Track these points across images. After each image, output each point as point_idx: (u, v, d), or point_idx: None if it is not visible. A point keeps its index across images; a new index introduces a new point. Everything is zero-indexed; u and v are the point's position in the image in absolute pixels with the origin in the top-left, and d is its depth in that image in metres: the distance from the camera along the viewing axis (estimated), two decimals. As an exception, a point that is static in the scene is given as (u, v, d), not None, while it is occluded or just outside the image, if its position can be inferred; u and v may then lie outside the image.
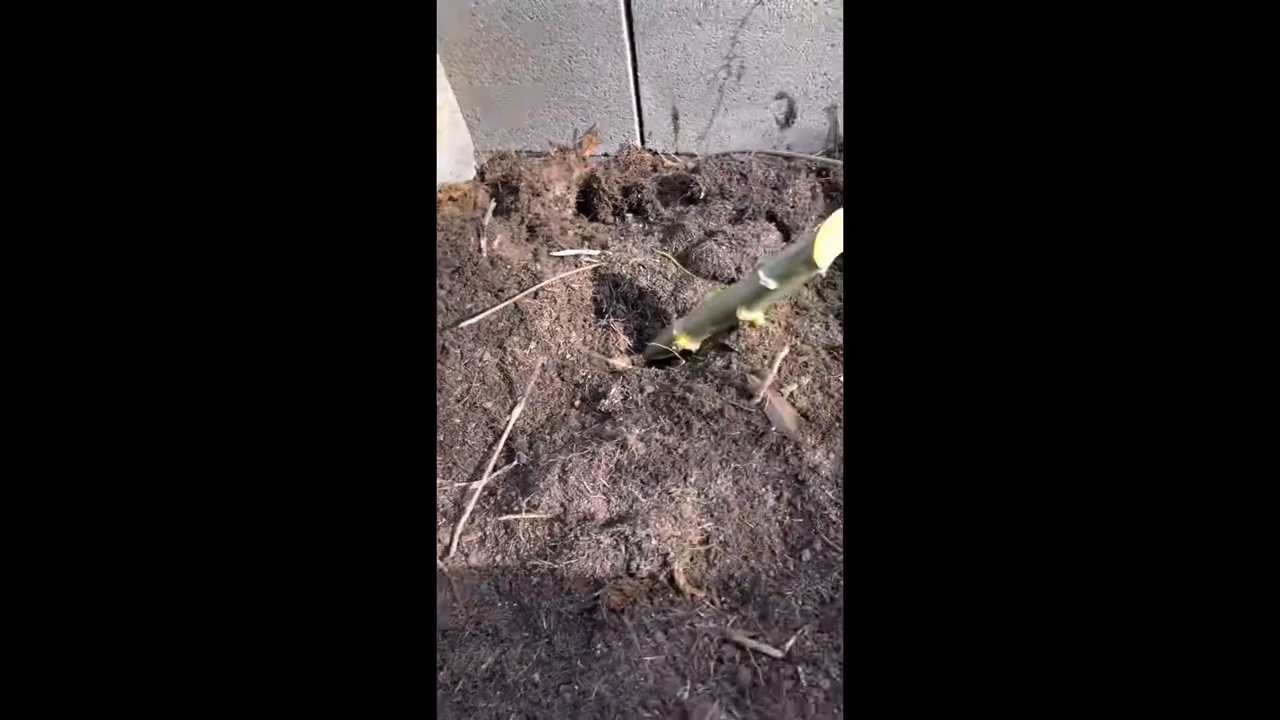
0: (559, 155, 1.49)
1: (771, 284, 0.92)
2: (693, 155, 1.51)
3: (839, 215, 0.84)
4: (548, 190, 1.42)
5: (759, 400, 0.99)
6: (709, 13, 1.30)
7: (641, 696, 0.76)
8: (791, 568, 0.90)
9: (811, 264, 0.86)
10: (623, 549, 0.90)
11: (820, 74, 1.36)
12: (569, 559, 0.90)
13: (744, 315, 0.98)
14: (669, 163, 1.52)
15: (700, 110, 1.47)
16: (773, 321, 1.14)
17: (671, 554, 0.89)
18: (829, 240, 0.84)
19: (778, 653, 0.78)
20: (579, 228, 1.42)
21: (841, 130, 1.43)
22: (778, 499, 0.96)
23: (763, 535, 0.92)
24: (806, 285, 1.24)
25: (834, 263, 1.22)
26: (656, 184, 1.46)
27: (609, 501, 0.96)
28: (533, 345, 1.15)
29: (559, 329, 1.18)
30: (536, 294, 1.19)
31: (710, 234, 1.27)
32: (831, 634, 0.79)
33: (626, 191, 1.45)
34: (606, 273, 1.25)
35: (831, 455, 0.99)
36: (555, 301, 1.19)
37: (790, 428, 0.98)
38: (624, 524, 0.92)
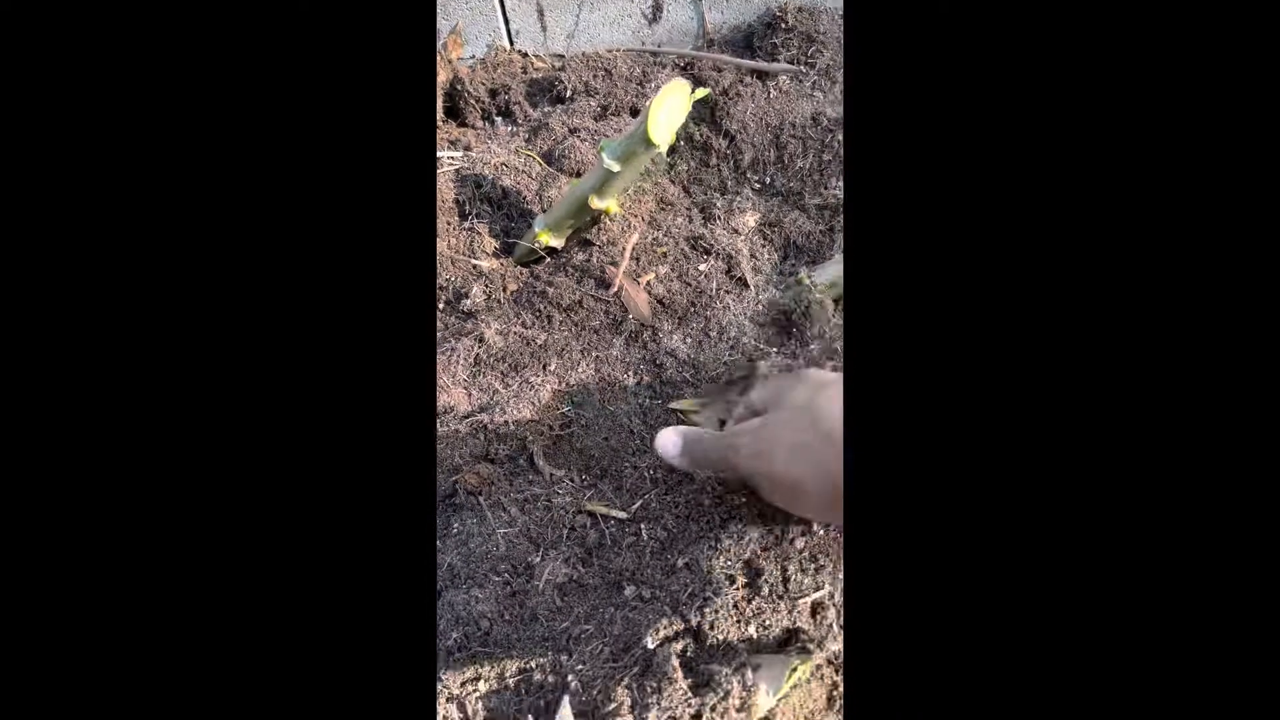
0: (421, 57, 1.40)
1: (615, 166, 0.92)
2: (561, 56, 1.46)
3: (667, 88, 0.83)
4: (408, 93, 1.35)
5: (615, 289, 1.01)
6: (561, -108, 1.24)
7: (492, 563, 0.79)
8: (648, 443, 0.94)
9: (649, 141, 0.86)
10: (481, 436, 0.92)
11: (681, -38, 1.33)
12: (428, 451, 0.91)
13: (596, 204, 0.98)
14: (538, 64, 1.47)
15: (566, 6, 1.41)
16: (636, 215, 1.15)
17: (530, 437, 0.91)
18: (662, 114, 0.84)
19: (624, 514, 0.82)
20: (445, 133, 1.36)
21: (709, 25, 1.41)
22: (637, 382, 1.00)
23: (621, 416, 0.96)
24: (672, 180, 1.25)
25: (680, 140, 1.22)
26: (525, 85, 1.41)
27: (469, 394, 0.97)
28: (391, 249, 1.12)
29: (419, 232, 1.15)
30: (392, 197, 1.15)
31: (573, 131, 1.25)
32: (674, 494, 0.83)
33: (494, 94, 1.40)
34: (469, 174, 1.21)
35: (688, 339, 1.02)
36: (413, 204, 1.16)
37: (645, 313, 1.00)
38: (483, 413, 0.93)
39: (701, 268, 1.10)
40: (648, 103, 0.86)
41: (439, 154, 1.25)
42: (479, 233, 1.18)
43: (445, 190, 1.20)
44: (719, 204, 1.20)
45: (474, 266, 1.14)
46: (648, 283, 1.04)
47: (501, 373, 0.97)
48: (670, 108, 0.84)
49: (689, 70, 1.35)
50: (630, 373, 0.99)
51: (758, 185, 1.28)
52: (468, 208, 1.19)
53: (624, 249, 1.01)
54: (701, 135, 1.28)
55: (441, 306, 1.11)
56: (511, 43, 1.48)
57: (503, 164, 1.23)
